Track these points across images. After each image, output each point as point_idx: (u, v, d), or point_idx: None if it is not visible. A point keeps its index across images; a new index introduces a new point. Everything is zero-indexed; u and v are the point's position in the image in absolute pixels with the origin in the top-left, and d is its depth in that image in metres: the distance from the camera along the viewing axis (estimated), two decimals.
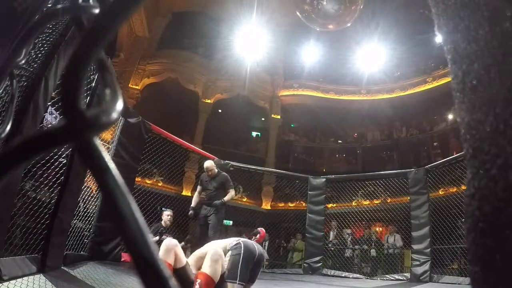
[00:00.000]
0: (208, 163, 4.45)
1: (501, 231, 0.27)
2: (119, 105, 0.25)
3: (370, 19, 9.98)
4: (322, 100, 12.33)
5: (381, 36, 10.55)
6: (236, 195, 10.42)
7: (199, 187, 4.54)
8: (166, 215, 4.95)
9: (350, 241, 6.98)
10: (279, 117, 12.39)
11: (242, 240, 2.27)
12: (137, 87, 11.31)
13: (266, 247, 8.37)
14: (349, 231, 7.01)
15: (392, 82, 11.71)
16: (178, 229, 5.70)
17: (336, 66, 12.04)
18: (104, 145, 3.99)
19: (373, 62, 11.05)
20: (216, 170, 4.45)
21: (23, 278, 2.04)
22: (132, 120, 4.30)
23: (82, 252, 3.54)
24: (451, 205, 4.84)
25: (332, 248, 6.41)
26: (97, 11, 0.44)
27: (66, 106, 0.21)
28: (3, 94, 1.55)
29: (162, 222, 4.92)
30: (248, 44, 10.60)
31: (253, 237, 2.98)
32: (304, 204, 6.64)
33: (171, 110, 11.26)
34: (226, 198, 4.29)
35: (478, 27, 0.33)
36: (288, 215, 7.93)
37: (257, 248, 2.25)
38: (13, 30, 0.76)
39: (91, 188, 3.62)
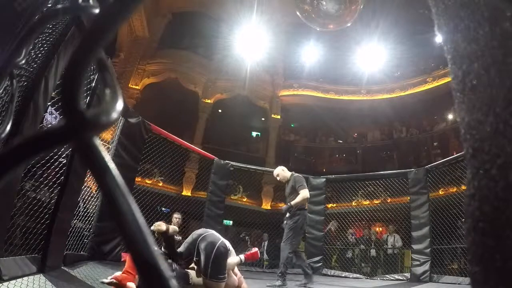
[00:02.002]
0: (275, 171, 4.14)
1: (501, 231, 0.27)
2: (119, 105, 0.25)
3: (370, 19, 9.99)
4: (322, 100, 12.34)
5: (381, 36, 10.56)
6: (236, 195, 10.48)
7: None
8: (175, 218, 5.06)
9: (352, 239, 7.00)
10: (279, 117, 12.39)
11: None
12: (137, 87, 11.31)
13: (265, 247, 8.39)
14: (351, 231, 7.03)
15: (392, 82, 11.71)
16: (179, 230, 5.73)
17: (336, 66, 12.04)
18: (104, 145, 3.99)
19: (373, 62, 11.05)
20: (288, 174, 4.06)
21: (23, 278, 2.03)
22: (132, 120, 4.30)
23: (82, 252, 3.54)
24: (451, 205, 4.84)
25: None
26: (97, 11, 0.44)
27: (66, 106, 0.21)
28: (3, 94, 1.55)
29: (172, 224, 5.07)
30: (248, 44, 10.60)
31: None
32: None
33: (171, 110, 11.26)
34: (294, 201, 3.73)
35: (478, 27, 0.33)
36: None
37: (207, 238, 2.41)
38: (13, 30, 0.76)
39: (91, 188, 3.61)
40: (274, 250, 8.47)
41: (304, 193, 3.77)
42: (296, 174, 4.05)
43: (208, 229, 2.59)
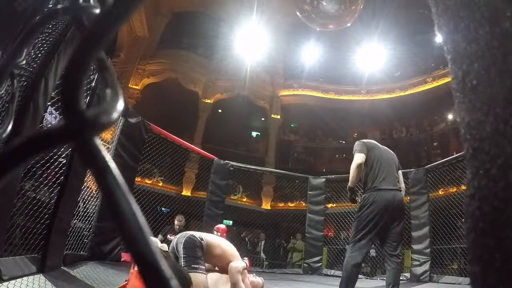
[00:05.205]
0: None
1: (501, 231, 0.27)
2: (120, 105, 0.25)
3: (370, 19, 9.99)
4: (322, 100, 12.34)
5: (381, 36, 10.56)
6: (236, 195, 10.48)
7: None
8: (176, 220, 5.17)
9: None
10: (279, 117, 12.39)
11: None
12: (137, 87, 11.31)
13: (262, 247, 8.39)
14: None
15: (392, 82, 11.72)
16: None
17: (336, 66, 12.05)
18: (104, 145, 3.99)
19: (373, 62, 11.05)
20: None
21: (23, 278, 2.03)
22: (132, 120, 4.29)
23: (82, 252, 3.53)
24: (451, 205, 4.84)
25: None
26: (97, 11, 0.44)
27: (66, 106, 0.21)
28: (3, 94, 1.55)
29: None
30: (248, 44, 10.61)
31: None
32: (304, 204, 6.64)
33: (171, 110, 11.27)
34: (350, 181, 2.58)
35: (478, 27, 0.33)
36: (288, 215, 7.93)
37: (180, 237, 2.44)
38: (13, 30, 0.76)
39: (91, 188, 3.61)
40: (272, 250, 8.50)
41: (354, 160, 2.53)
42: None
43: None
